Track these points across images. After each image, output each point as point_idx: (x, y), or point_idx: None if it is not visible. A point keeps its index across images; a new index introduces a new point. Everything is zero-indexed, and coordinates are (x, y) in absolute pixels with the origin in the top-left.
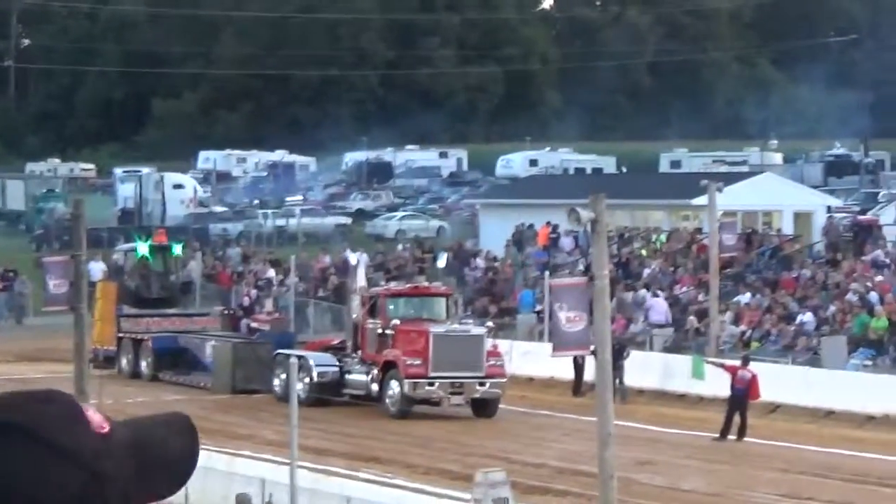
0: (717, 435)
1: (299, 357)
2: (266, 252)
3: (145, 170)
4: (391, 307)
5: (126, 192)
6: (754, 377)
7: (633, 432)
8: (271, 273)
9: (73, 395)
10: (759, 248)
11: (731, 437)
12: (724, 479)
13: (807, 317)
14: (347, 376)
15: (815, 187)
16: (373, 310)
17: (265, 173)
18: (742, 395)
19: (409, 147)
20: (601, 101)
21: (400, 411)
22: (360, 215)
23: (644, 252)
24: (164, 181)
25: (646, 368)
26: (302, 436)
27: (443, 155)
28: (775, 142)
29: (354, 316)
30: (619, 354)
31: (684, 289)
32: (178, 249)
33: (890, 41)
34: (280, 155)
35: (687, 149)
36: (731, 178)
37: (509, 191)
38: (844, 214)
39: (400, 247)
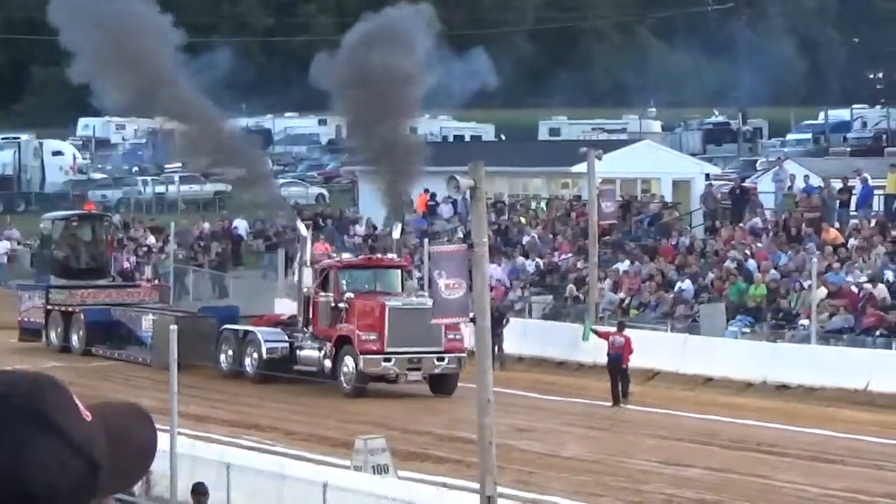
0: (611, 403)
1: (247, 332)
2: (146, 219)
3: (24, 136)
4: (344, 280)
5: (4, 158)
6: (627, 341)
7: (513, 399)
8: (151, 240)
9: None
10: (637, 216)
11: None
12: (603, 445)
13: (685, 284)
14: (299, 352)
15: (693, 155)
16: (324, 282)
17: (144, 140)
18: (616, 361)
19: (287, 114)
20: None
21: (354, 389)
22: (240, 183)
23: (523, 220)
24: (43, 148)
25: (525, 336)
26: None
27: (322, 122)
28: (654, 110)
29: (305, 289)
30: (498, 322)
31: (563, 256)
32: (112, 219)
33: (766, 9)
34: (159, 122)
35: (566, 117)
36: (609, 146)
37: None
38: (723, 182)
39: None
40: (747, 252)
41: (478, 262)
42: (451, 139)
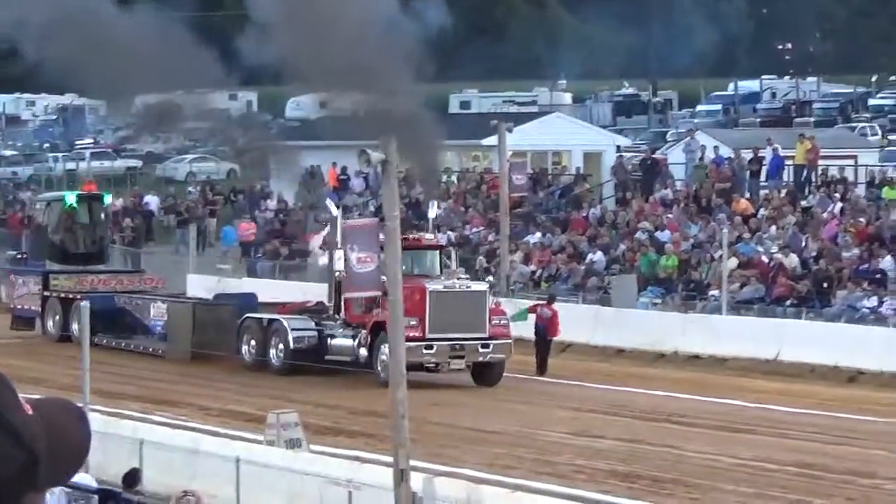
0: (535, 372)
1: (271, 321)
2: None
3: None
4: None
5: None
6: (554, 314)
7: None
8: None
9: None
10: (548, 188)
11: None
12: (518, 417)
13: (596, 256)
14: (330, 341)
15: (604, 127)
16: None
17: (55, 117)
18: (543, 332)
19: (198, 89)
20: None
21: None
22: (151, 158)
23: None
24: None
25: None
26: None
27: (233, 97)
28: (564, 82)
29: (337, 273)
30: None
31: (475, 229)
32: (108, 199)
33: None
34: (70, 98)
35: (477, 90)
36: (520, 119)
37: (300, 133)
38: (633, 154)
39: (190, 189)
40: (658, 223)
41: (389, 236)
42: (361, 113)
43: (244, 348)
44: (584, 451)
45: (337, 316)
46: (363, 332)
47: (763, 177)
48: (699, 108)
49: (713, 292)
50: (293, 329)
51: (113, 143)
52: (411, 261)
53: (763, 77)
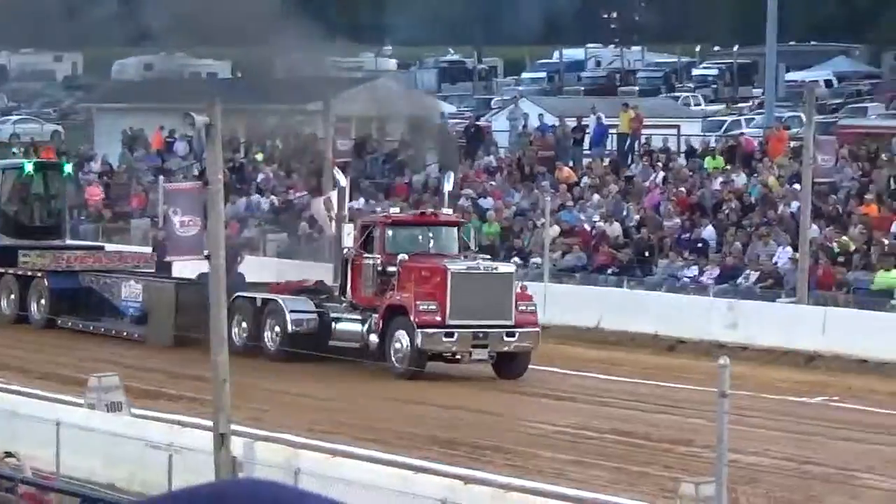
0: None
1: (266, 301)
2: None
3: None
4: (392, 238)
5: None
6: None
7: None
8: None
9: None
10: (372, 154)
11: None
12: (342, 384)
13: None
14: (336, 325)
15: (429, 93)
16: (367, 242)
17: None
18: None
19: (23, 50)
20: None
21: (409, 370)
22: None
23: (259, 157)
24: None
25: (261, 273)
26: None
27: (58, 59)
28: (390, 48)
29: (346, 250)
30: (233, 259)
31: (298, 194)
32: (68, 168)
33: None
34: None
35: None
36: (345, 85)
37: (125, 95)
38: (458, 120)
39: (14, 150)
40: (481, 190)
41: (212, 200)
42: (187, 76)
43: (234, 331)
44: (406, 419)
45: (343, 297)
46: (374, 316)
47: (586, 145)
48: (524, 75)
49: (535, 260)
50: (292, 311)
51: None
52: (428, 238)
53: (588, 45)
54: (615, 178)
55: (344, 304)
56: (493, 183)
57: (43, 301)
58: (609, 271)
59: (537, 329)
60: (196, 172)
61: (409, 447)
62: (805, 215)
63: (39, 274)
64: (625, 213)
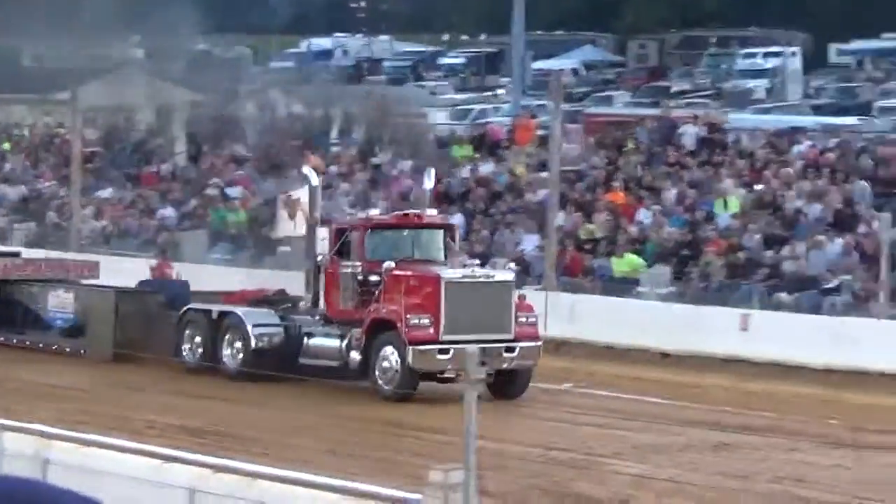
0: None
1: (224, 314)
2: None
3: None
4: (372, 244)
5: None
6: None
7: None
8: None
9: None
10: (121, 143)
11: None
12: (97, 375)
13: (168, 211)
14: (309, 341)
15: (177, 83)
16: (344, 248)
17: None
18: None
19: None
20: None
21: (398, 392)
22: None
23: (7, 147)
24: None
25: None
26: None
27: None
28: (139, 37)
29: (320, 257)
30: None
31: (46, 184)
32: None
33: None
34: None
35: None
36: (95, 75)
37: None
38: (207, 109)
39: None
40: (230, 179)
41: None
42: None
43: (186, 347)
44: (156, 408)
45: (315, 310)
46: (355, 331)
47: (335, 133)
48: (272, 64)
49: (283, 248)
50: (255, 324)
51: None
52: (412, 243)
53: (335, 35)
54: (363, 167)
55: (316, 318)
56: (241, 172)
57: None
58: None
59: (539, 343)
60: None
61: (160, 436)
62: (553, 203)
63: None
64: (373, 201)
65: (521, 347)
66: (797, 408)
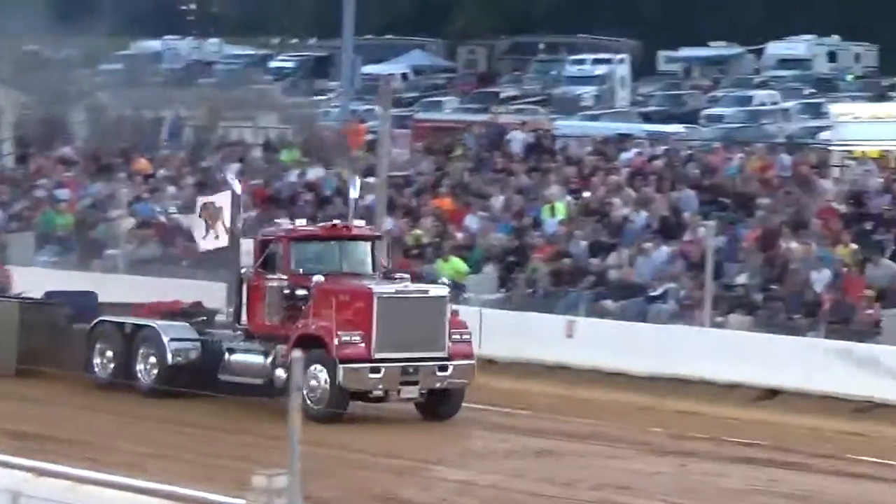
0: None
1: (138, 327)
2: None
3: None
4: (298, 256)
5: None
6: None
7: None
8: None
9: None
10: None
11: None
12: None
13: None
14: (229, 357)
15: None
16: (268, 260)
17: None
18: None
19: None
20: None
21: (327, 411)
22: None
23: None
24: None
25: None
26: None
27: None
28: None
29: (244, 270)
30: None
31: None
32: None
33: None
34: None
35: None
36: None
37: None
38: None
39: None
40: (58, 181)
41: None
42: None
43: (97, 361)
44: None
45: (237, 324)
46: (281, 347)
47: (164, 136)
48: (102, 66)
49: (111, 251)
50: (172, 339)
51: None
52: (339, 255)
53: (165, 37)
54: (191, 171)
55: (237, 333)
56: (70, 174)
57: None
58: (184, 262)
59: (472, 362)
60: None
61: None
62: (380, 208)
63: None
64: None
65: (455, 366)
66: (621, 415)
